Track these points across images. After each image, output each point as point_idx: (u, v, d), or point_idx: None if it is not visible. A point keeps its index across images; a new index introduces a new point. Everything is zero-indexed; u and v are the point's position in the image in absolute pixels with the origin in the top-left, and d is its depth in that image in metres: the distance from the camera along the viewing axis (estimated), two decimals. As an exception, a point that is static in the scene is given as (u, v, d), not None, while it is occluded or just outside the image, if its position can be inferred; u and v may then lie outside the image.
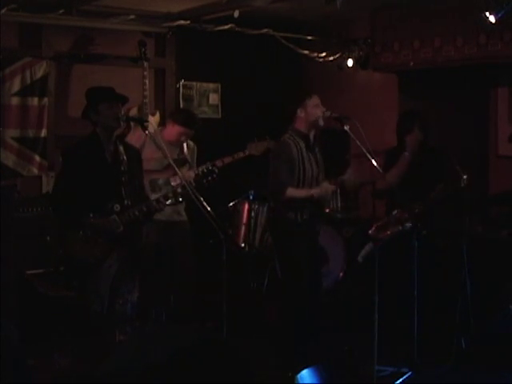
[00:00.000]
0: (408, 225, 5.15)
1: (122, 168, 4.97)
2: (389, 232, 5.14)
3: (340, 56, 8.00)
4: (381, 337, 4.97)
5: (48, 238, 6.08)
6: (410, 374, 5.12)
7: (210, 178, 5.03)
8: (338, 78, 8.12)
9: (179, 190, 4.89)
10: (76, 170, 4.91)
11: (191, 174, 5.52)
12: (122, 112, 5.01)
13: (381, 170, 5.38)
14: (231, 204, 6.93)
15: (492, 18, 5.94)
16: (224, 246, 4.76)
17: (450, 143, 6.83)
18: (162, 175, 5.92)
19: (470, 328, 5.52)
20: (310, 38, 8.00)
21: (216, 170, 5.06)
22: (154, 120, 7.08)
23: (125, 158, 4.99)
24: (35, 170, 7.01)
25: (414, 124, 5.99)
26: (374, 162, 5.16)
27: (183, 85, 7.85)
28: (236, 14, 6.81)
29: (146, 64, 7.09)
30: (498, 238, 6.35)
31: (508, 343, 5.43)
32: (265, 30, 7.61)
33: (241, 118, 7.91)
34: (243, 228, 6.88)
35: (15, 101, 6.88)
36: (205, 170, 5.09)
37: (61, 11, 6.80)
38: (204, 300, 6.38)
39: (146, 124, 5.01)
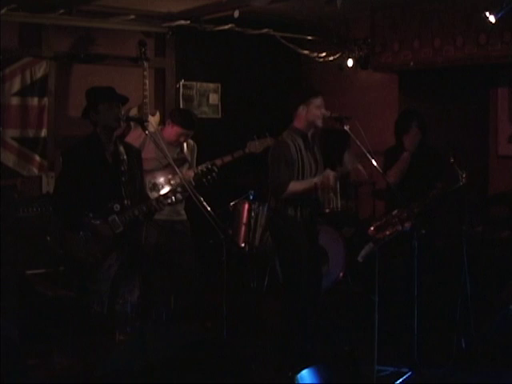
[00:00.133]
0: (407, 225, 5.15)
1: (122, 168, 4.96)
2: (388, 232, 5.15)
3: (340, 56, 8.01)
4: (381, 337, 4.98)
5: (48, 238, 6.07)
6: (409, 373, 5.11)
7: (209, 176, 5.01)
8: (338, 78, 8.12)
9: (179, 189, 4.89)
10: (76, 170, 4.90)
11: (191, 174, 5.52)
12: (122, 112, 5.01)
13: (381, 170, 5.38)
14: (231, 204, 6.93)
15: (492, 18, 5.95)
16: (224, 246, 4.75)
17: (449, 143, 6.83)
18: (162, 175, 5.92)
19: (469, 328, 5.52)
20: (310, 37, 8.01)
21: (216, 169, 5.04)
22: (153, 120, 7.09)
23: (125, 157, 4.99)
24: (35, 170, 7.01)
25: (412, 123, 5.99)
26: (373, 161, 5.16)
27: (183, 85, 7.85)
28: (236, 14, 6.81)
29: (145, 64, 7.09)
30: (498, 238, 6.35)
31: (508, 343, 5.43)
32: (265, 30, 7.62)
33: (241, 117, 7.91)
34: (243, 228, 6.87)
35: (15, 101, 6.87)
36: (204, 169, 5.08)
37: (61, 11, 6.81)
38: (204, 300, 6.37)
39: (145, 124, 5.00)
